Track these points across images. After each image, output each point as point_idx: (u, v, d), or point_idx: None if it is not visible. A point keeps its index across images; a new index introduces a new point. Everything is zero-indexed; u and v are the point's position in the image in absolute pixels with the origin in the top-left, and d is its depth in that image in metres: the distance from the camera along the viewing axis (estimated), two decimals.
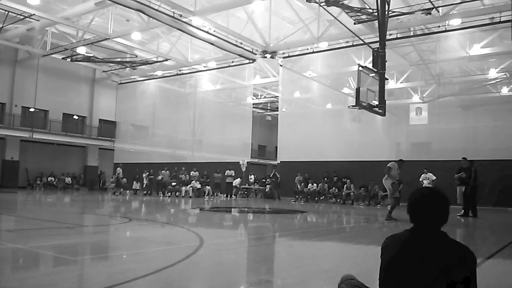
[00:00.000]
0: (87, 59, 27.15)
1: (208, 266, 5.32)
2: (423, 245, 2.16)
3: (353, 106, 12.82)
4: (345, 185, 21.51)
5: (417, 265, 2.11)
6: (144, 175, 26.18)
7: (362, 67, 12.86)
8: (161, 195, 24.88)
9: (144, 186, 26.16)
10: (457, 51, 22.00)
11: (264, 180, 26.57)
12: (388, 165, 12.25)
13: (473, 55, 21.61)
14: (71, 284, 4.21)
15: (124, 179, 26.71)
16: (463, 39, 21.02)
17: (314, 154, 23.57)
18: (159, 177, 25.59)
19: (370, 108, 12.71)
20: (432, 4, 16.52)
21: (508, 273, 5.51)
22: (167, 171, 25.87)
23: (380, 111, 13.01)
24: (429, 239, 2.17)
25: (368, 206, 19.90)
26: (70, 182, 31.00)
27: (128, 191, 26.94)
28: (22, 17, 21.81)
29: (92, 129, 33.67)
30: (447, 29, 18.83)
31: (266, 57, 23.25)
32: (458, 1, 17.17)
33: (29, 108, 30.34)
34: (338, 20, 16.57)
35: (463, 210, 14.07)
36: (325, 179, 22.64)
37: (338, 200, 21.77)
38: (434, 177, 17.18)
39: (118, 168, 26.19)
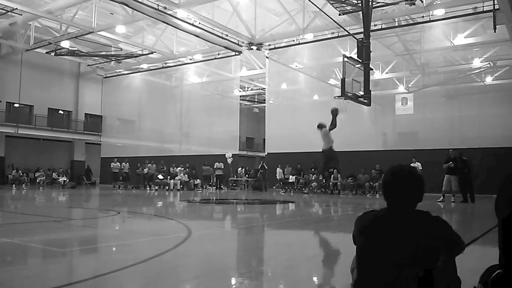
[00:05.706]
0: (71, 53, 26.81)
1: (196, 255, 5.38)
2: (398, 223, 2.19)
3: (338, 96, 12.88)
4: (332, 175, 21.65)
5: (393, 244, 2.14)
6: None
7: (347, 57, 12.92)
8: (148, 188, 24.86)
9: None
10: (441, 41, 22.18)
11: (251, 172, 26.68)
12: None
13: (457, 45, 21.83)
14: (58, 275, 4.24)
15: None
16: (447, 29, 21.21)
17: (301, 145, 23.62)
18: (145, 170, 25.50)
19: (355, 98, 12.81)
20: None
21: (488, 256, 5.64)
22: (154, 165, 25.85)
23: (366, 101, 13.12)
24: (404, 218, 2.20)
25: (355, 196, 20.11)
26: (57, 177, 30.71)
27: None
28: (4, 11, 21.45)
29: (78, 124, 33.37)
30: (431, 19, 19.01)
31: (252, 49, 23.20)
32: None
33: (14, 103, 29.96)
34: (323, 12, 16.59)
35: (451, 198, 14.75)
36: (313, 170, 22.75)
37: (326, 190, 21.94)
38: (421, 167, 17.26)
39: (112, 163, 26.04)
